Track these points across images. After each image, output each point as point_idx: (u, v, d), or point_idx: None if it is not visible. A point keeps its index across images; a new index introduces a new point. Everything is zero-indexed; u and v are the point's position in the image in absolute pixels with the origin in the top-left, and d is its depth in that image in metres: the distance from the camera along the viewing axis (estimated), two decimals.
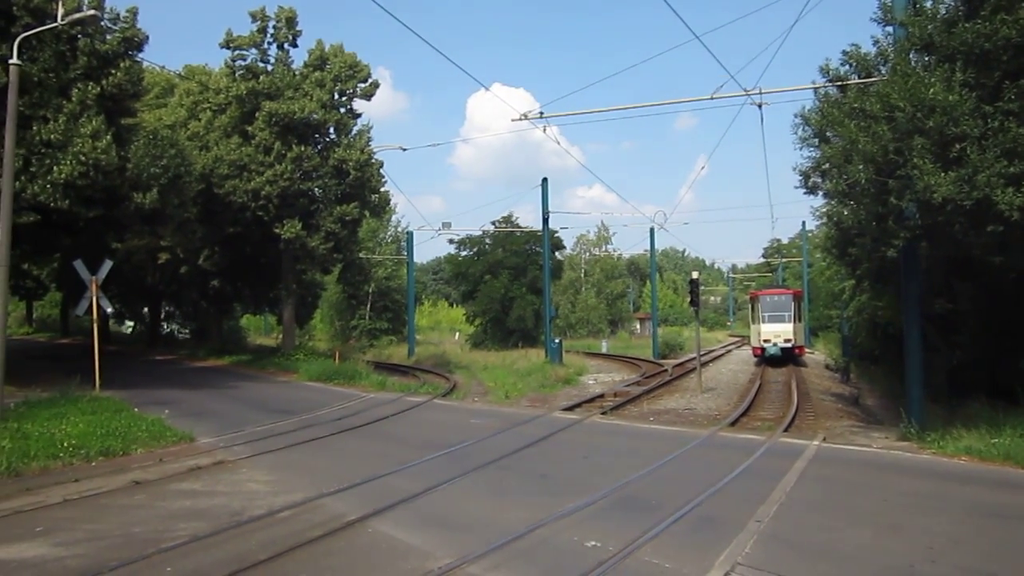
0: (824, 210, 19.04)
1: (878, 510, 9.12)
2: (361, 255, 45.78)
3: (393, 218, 64.23)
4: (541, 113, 22.01)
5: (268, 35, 34.40)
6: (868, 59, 16.61)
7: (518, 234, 57.61)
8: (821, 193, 17.79)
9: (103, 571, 6.93)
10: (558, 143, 41.53)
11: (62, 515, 9.11)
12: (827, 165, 15.91)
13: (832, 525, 8.44)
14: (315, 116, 33.31)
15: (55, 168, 21.12)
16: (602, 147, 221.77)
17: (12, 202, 16.28)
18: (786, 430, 16.74)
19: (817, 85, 17.58)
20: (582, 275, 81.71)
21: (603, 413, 19.43)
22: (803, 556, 7.37)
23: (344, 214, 33.84)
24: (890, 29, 16.16)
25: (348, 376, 27.61)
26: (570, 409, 20.41)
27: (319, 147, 34.73)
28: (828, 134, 15.89)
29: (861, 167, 14.03)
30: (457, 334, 69.45)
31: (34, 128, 21.22)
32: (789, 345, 37.39)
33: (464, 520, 8.69)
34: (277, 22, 34.35)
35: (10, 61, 16.45)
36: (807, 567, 7.09)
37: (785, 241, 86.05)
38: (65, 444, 12.66)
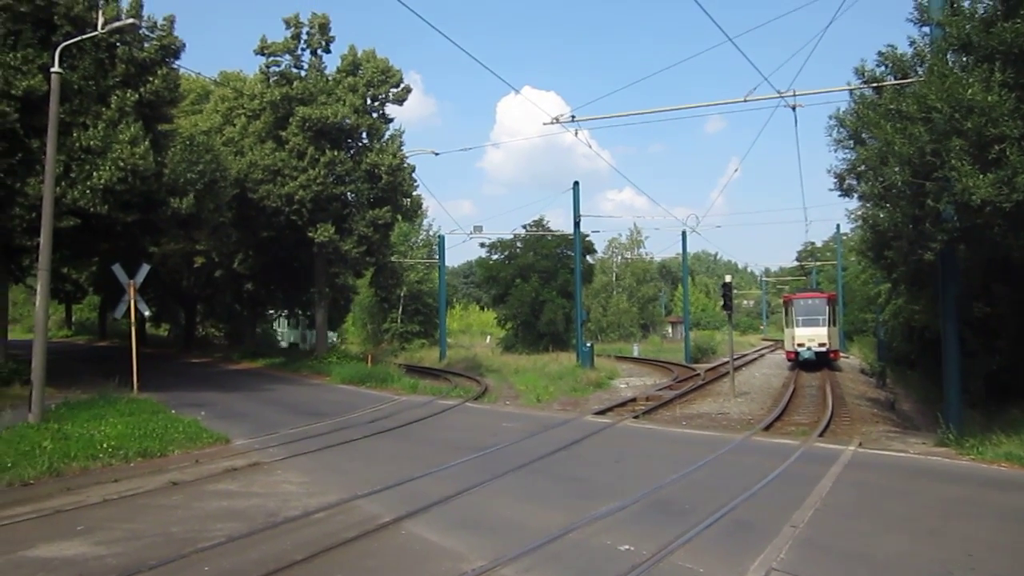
0: (859, 213, 18.84)
1: (915, 516, 9.00)
2: (393, 259, 46.00)
3: (424, 222, 64.63)
4: (573, 117, 22.05)
5: (302, 41, 34.76)
6: (904, 60, 16.44)
7: (549, 238, 57.58)
8: (856, 195, 17.63)
9: (142, 570, 7.04)
10: (589, 146, 41.57)
11: (102, 514, 9.28)
12: (862, 167, 15.77)
13: (869, 531, 8.34)
14: (348, 121, 33.58)
15: (94, 174, 21.47)
16: (631, 150, 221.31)
17: (53, 207, 16.61)
18: (821, 435, 16.56)
19: (852, 86, 17.41)
20: (613, 279, 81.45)
21: (635, 417, 19.35)
22: (839, 562, 7.29)
23: (376, 218, 34.07)
24: (927, 29, 15.99)
25: (380, 379, 27.77)
26: (602, 413, 20.34)
27: (352, 152, 35.01)
28: (863, 136, 15.75)
29: (897, 169, 13.88)
30: (488, 337, 69.53)
31: (74, 135, 21.61)
32: (823, 349, 36.98)
33: (497, 523, 8.71)
34: (310, 28, 34.70)
35: (52, 69, 16.80)
36: (844, 573, 7.01)
37: (819, 244, 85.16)
38: (104, 445, 12.89)
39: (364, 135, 35.37)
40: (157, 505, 9.77)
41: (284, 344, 56.31)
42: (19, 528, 8.67)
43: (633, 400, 24.24)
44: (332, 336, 48.73)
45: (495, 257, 61.88)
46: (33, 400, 15.36)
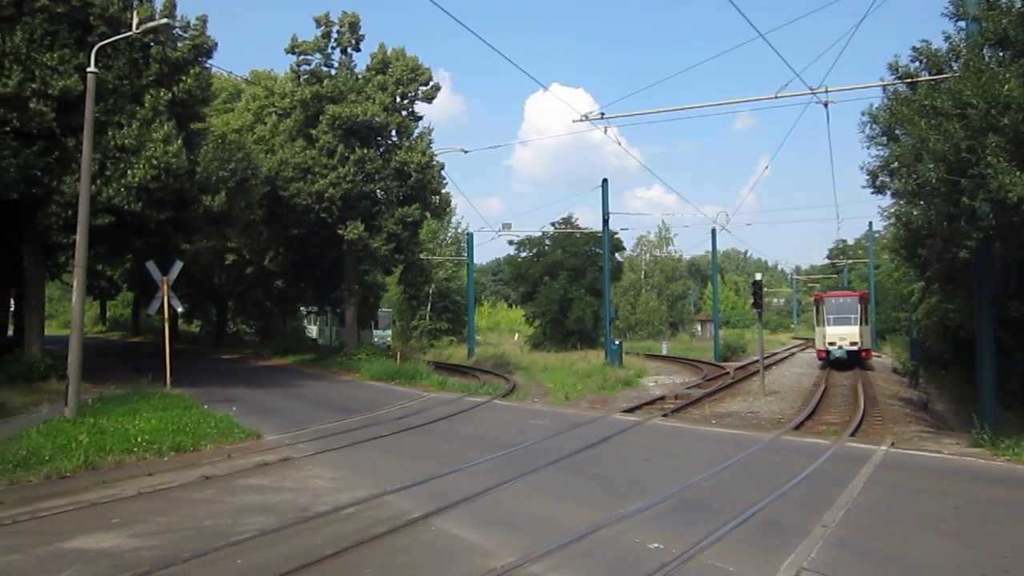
0: (892, 210, 18.64)
1: (949, 517, 8.89)
2: (422, 256, 46.22)
3: (453, 219, 64.84)
4: (602, 114, 21.96)
5: (332, 40, 35.00)
6: (939, 55, 16.21)
7: (577, 235, 57.49)
8: (889, 193, 17.42)
9: (176, 562, 7.14)
10: (619, 144, 41.37)
11: (137, 507, 9.43)
12: (896, 164, 15.59)
13: (901, 532, 8.26)
14: (377, 119, 33.75)
15: (129, 172, 21.79)
16: (661, 148, 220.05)
17: (89, 205, 16.88)
18: (852, 435, 16.39)
19: (886, 82, 17.19)
20: (642, 276, 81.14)
21: (664, 415, 19.28)
22: (871, 563, 7.22)
23: (406, 215, 34.23)
24: (962, 24, 15.75)
25: (409, 376, 27.92)
26: (630, 411, 20.30)
27: (381, 150, 35.20)
28: (897, 132, 15.56)
29: (932, 166, 13.70)
30: (516, 335, 69.59)
31: (109, 133, 21.93)
32: (855, 348, 36.57)
33: (526, 520, 8.73)
34: (341, 27, 34.91)
35: (88, 69, 17.06)
36: (876, 574, 6.95)
37: (851, 242, 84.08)
38: (138, 439, 13.10)
39: (393, 133, 35.54)
40: (190, 499, 9.91)
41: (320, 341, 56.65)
42: (57, 520, 8.84)
43: (662, 398, 24.15)
44: (378, 334, 49.04)
45: (523, 255, 61.95)
46: (69, 395, 15.62)
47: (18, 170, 20.45)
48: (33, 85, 20.56)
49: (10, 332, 34.65)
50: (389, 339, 51.56)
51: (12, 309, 35.23)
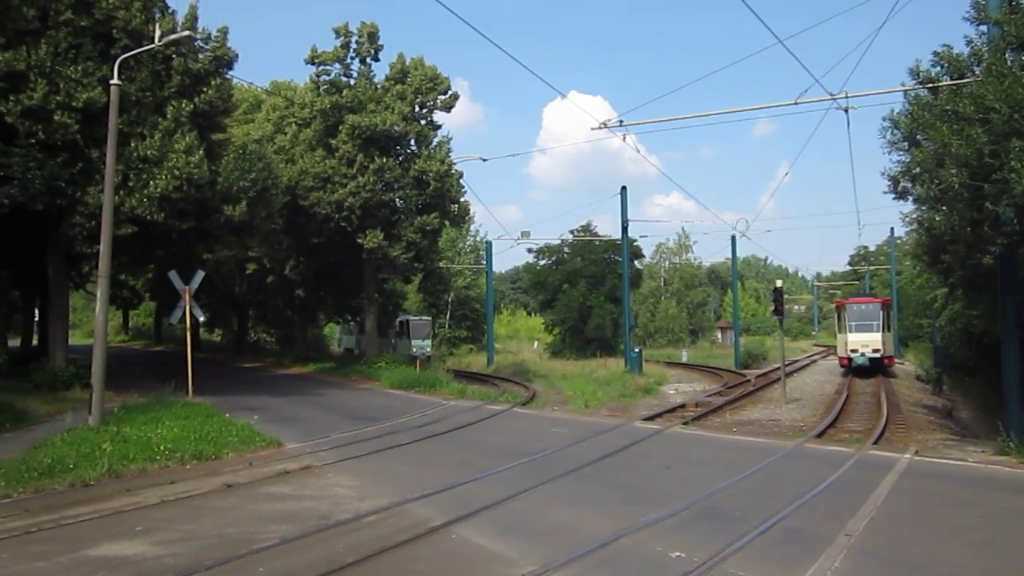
0: (914, 216, 18.52)
1: (975, 526, 8.77)
2: (441, 264, 46.20)
3: (472, 227, 64.89)
4: (621, 122, 21.97)
5: (351, 50, 35.27)
6: (961, 60, 16.08)
7: (596, 243, 57.39)
8: (911, 198, 17.28)
9: (199, 570, 7.19)
10: (637, 151, 41.32)
11: (160, 515, 9.50)
12: (918, 169, 15.46)
13: (926, 541, 8.17)
14: (396, 128, 33.96)
15: (151, 182, 22.02)
16: (679, 155, 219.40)
17: (112, 215, 17.06)
18: (875, 442, 16.22)
19: (907, 87, 17.07)
20: (662, 284, 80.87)
21: (685, 423, 19.18)
22: (896, 572, 7.15)
23: (425, 224, 34.38)
24: (984, 28, 15.63)
25: (429, 384, 27.96)
26: (651, 419, 20.21)
27: (400, 159, 35.40)
28: (919, 137, 15.44)
29: (954, 171, 13.58)
30: (536, 343, 69.51)
31: (132, 145, 22.17)
32: (877, 355, 36.25)
33: (546, 528, 8.71)
34: (359, 37, 35.16)
35: (111, 81, 17.26)
36: None
37: (872, 248, 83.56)
38: (161, 447, 13.18)
39: (412, 142, 35.74)
40: (212, 507, 9.97)
41: (340, 349, 56.02)
42: (82, 527, 8.92)
43: (682, 406, 24.01)
44: (416, 344, 43.19)
45: (542, 262, 61.88)
46: (93, 403, 15.76)
47: (43, 181, 20.74)
48: (58, 97, 20.85)
49: (35, 341, 35.09)
50: (429, 350, 43.89)
51: (37, 319, 35.66)
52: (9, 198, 20.37)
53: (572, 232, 59.36)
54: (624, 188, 37.92)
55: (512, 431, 17.59)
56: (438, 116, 36.72)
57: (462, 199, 37.87)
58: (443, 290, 54.43)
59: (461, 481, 11.07)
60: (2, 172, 20.45)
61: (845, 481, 11.24)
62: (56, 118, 20.74)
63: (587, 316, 54.53)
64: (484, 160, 36.54)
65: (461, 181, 36.98)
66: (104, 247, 16.52)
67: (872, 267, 76.48)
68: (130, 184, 22.05)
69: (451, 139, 37.22)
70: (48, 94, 20.72)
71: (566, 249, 59.55)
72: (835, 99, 18.60)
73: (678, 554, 7.57)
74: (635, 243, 53.73)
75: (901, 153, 16.48)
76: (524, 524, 8.87)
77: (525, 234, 47.37)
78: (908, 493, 10.42)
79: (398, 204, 35.20)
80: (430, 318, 48.90)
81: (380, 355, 37.49)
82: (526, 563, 7.32)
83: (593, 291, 55.28)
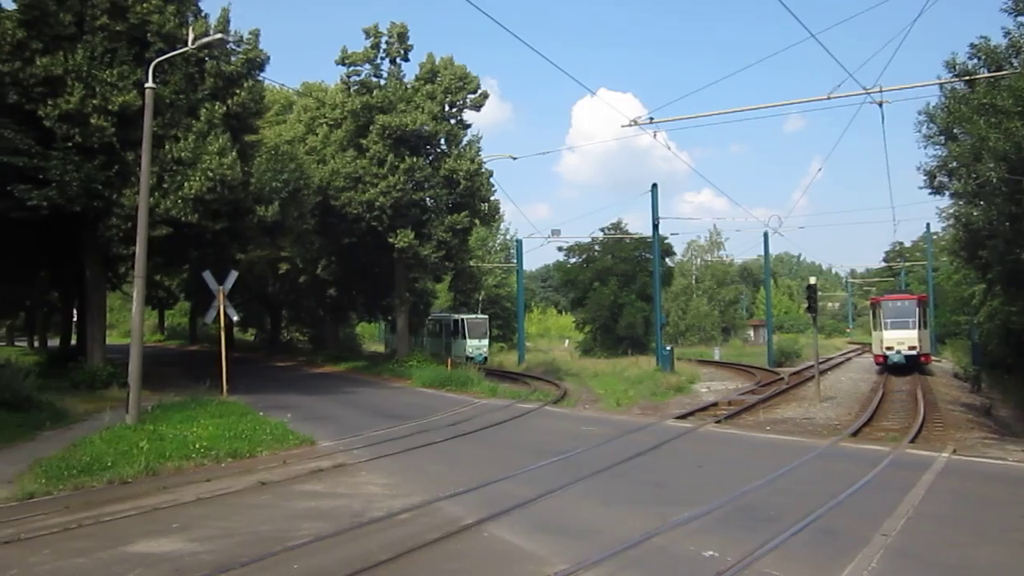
0: (951, 211, 18.28)
1: (1015, 527, 8.62)
2: (471, 263, 46.33)
3: (502, 226, 64.97)
4: (651, 118, 21.84)
5: (381, 51, 35.40)
6: (998, 52, 15.82)
7: (627, 240, 57.18)
8: (948, 193, 17.09)
9: (235, 566, 7.27)
10: (668, 148, 41.00)
11: (196, 512, 9.62)
12: (954, 164, 15.27)
13: (965, 541, 8.04)
14: (426, 128, 34.08)
15: (185, 184, 22.27)
16: (710, 151, 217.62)
17: (148, 217, 17.30)
18: (912, 441, 16.01)
19: (943, 80, 16.81)
20: (693, 281, 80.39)
21: (717, 422, 19.06)
22: (934, 573, 7.04)
23: (455, 223, 34.46)
24: (1022, 19, 15.34)
25: (460, 382, 28.02)
26: (683, 417, 20.11)
27: (430, 158, 35.52)
28: (955, 131, 15.24)
29: (992, 165, 13.39)
30: (567, 341, 69.43)
31: (166, 147, 22.45)
32: (914, 353, 35.73)
33: (578, 526, 8.69)
34: (389, 38, 35.30)
35: (146, 85, 17.51)
36: None
37: (908, 244, 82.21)
38: (197, 446, 13.36)
39: (442, 141, 35.83)
40: (247, 504, 10.08)
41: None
42: (120, 524, 9.06)
43: (715, 404, 23.87)
44: (472, 345, 41.50)
45: (573, 260, 61.82)
46: (130, 402, 16.02)
47: (80, 184, 21.08)
48: (94, 101, 21.19)
49: (73, 341, 35.68)
50: (486, 351, 42.58)
51: (75, 319, 36.26)
52: (48, 200, 20.75)
53: (602, 230, 59.26)
54: (655, 185, 37.75)
55: (543, 429, 17.58)
56: (468, 115, 36.85)
57: (492, 198, 37.88)
58: (473, 289, 54.56)
59: (493, 479, 11.08)
60: (40, 175, 20.81)
61: (881, 480, 11.09)
62: (92, 121, 21.07)
63: (618, 314, 54.38)
64: (514, 159, 36.60)
65: (491, 180, 37.05)
66: (140, 248, 16.76)
67: (908, 263, 75.35)
68: (165, 186, 22.32)
69: (481, 138, 37.32)
70: (85, 98, 21.05)
71: (596, 247, 59.44)
72: (869, 93, 18.32)
73: (711, 553, 7.52)
74: (666, 241, 53.51)
75: (937, 147, 16.31)
76: (556, 523, 8.86)
77: (555, 232, 47.30)
78: (946, 493, 10.25)
79: (428, 203, 35.31)
80: (487, 316, 47.25)
81: (411, 353, 37.65)
82: (558, 561, 7.31)
83: (624, 289, 55.13)
